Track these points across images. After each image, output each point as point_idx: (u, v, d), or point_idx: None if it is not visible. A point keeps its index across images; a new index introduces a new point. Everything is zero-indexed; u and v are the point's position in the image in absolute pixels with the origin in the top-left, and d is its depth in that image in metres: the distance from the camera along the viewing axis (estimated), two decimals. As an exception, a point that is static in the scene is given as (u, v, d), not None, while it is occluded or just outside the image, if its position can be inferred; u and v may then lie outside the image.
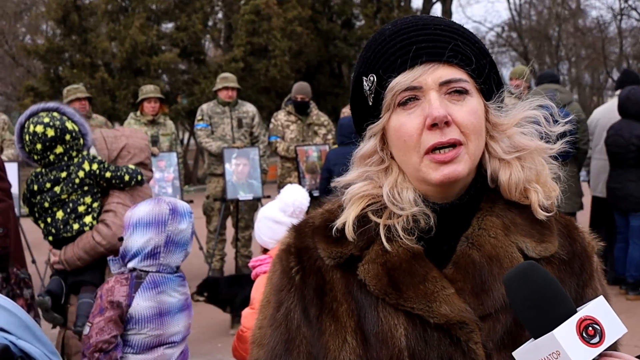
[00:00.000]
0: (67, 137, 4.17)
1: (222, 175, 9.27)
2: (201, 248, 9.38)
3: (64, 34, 24.13)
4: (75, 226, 4.19)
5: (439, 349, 1.37)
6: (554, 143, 1.49)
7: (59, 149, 4.15)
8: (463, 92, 1.41)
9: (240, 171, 9.23)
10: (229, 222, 9.97)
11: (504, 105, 1.49)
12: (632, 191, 7.95)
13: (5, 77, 32.84)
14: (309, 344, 1.46)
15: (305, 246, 1.50)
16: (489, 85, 1.47)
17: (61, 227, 4.18)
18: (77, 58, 23.56)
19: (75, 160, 4.19)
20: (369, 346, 1.40)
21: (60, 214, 4.18)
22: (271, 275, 1.56)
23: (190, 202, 9.78)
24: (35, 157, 4.16)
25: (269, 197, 9.37)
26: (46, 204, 4.18)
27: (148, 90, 9.84)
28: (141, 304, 3.42)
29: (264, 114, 20.72)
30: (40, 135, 4.10)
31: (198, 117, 9.74)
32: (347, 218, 1.46)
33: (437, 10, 33.63)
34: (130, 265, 3.50)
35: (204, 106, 9.83)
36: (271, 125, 9.92)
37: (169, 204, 3.55)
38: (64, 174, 4.16)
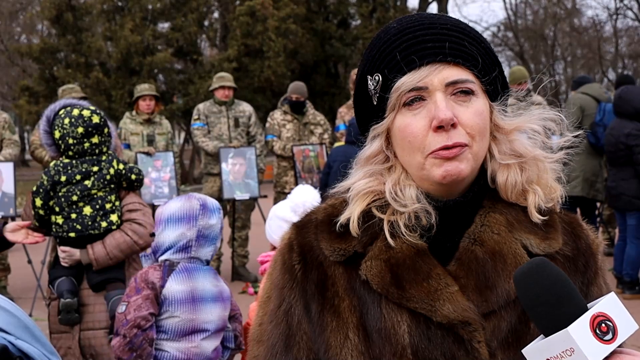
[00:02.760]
0: (105, 130, 4.21)
1: (219, 174, 9.26)
2: (198, 248, 9.36)
3: (59, 34, 24.09)
4: (104, 224, 4.15)
5: (442, 346, 1.37)
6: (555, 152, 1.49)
7: (95, 139, 4.14)
8: (469, 92, 1.40)
9: (236, 171, 9.22)
10: (226, 221, 9.93)
11: (508, 109, 1.48)
12: (624, 190, 7.97)
13: (0, 77, 32.82)
14: (310, 340, 1.45)
15: (307, 242, 1.49)
16: (495, 86, 1.46)
17: (89, 223, 4.13)
18: (72, 58, 23.53)
19: (104, 157, 4.18)
20: (371, 343, 1.39)
21: (88, 210, 4.13)
22: (272, 271, 1.54)
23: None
24: (70, 141, 4.09)
25: (265, 196, 9.38)
26: (74, 197, 4.11)
27: (143, 88, 9.83)
28: (174, 286, 3.49)
29: (260, 113, 20.73)
30: (85, 119, 4.10)
31: (194, 116, 9.73)
32: (352, 213, 1.45)
33: (433, 10, 33.63)
34: (163, 257, 3.59)
35: (200, 106, 9.82)
36: (267, 125, 9.92)
37: (199, 199, 3.65)
38: (95, 168, 4.13)
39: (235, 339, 3.79)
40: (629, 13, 35.57)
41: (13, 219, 8.59)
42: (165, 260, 3.58)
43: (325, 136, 9.93)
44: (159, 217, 3.65)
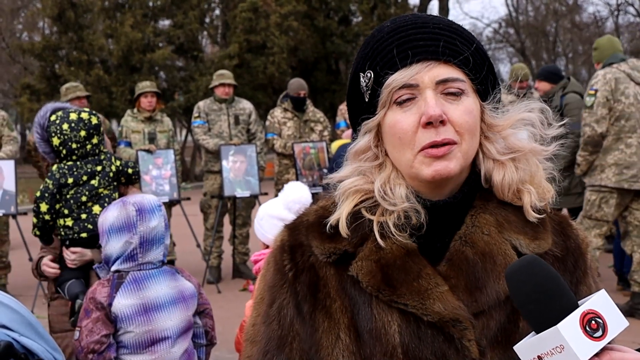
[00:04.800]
0: (101, 129, 4.23)
1: (219, 172, 9.27)
2: (198, 245, 9.37)
3: (60, 32, 24.09)
4: None
5: (433, 345, 1.38)
6: (549, 145, 1.49)
7: (95, 140, 4.15)
8: (459, 91, 1.42)
9: (237, 168, 9.23)
10: (226, 219, 9.97)
11: (499, 105, 1.49)
12: (630, 187, 7.92)
13: (2, 75, 32.81)
14: (302, 340, 1.46)
15: (299, 243, 1.50)
16: (486, 85, 1.48)
17: None
18: (74, 55, 23.52)
19: (103, 156, 4.19)
20: (362, 343, 1.40)
21: (97, 209, 4.12)
22: (265, 273, 1.56)
23: (187, 199, 9.82)
24: (74, 146, 4.07)
25: (266, 194, 9.38)
26: (84, 198, 4.10)
27: (144, 85, 9.82)
28: (122, 302, 3.39)
29: (260, 110, 20.75)
30: (86, 122, 4.10)
31: (195, 114, 9.73)
32: (341, 214, 1.46)
33: (434, 6, 33.66)
34: (113, 268, 3.51)
35: (201, 103, 9.82)
36: (268, 123, 9.92)
37: (135, 204, 3.52)
38: (99, 168, 4.15)
39: (206, 334, 3.72)
40: (630, 9, 35.55)
41: (14, 216, 8.61)
42: (115, 271, 3.49)
43: (325, 133, 9.93)
44: (101, 227, 3.56)
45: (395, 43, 1.44)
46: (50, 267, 4.14)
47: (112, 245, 3.49)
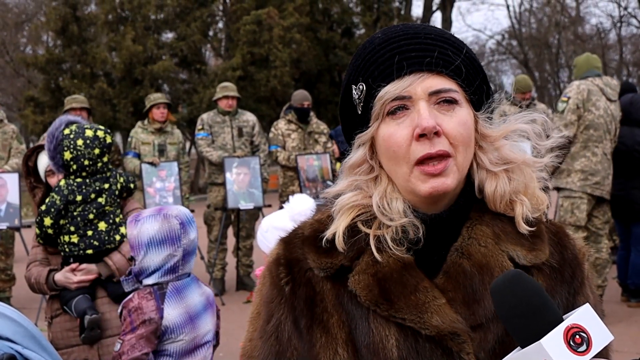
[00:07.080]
0: (112, 148, 4.26)
1: (223, 184, 9.29)
2: (202, 257, 9.37)
3: (64, 45, 24.20)
4: (117, 237, 4.17)
5: (431, 359, 1.37)
6: (543, 157, 1.49)
7: (105, 158, 4.19)
8: (452, 102, 1.40)
9: (241, 180, 9.24)
10: (230, 231, 9.97)
11: (493, 116, 1.48)
12: (636, 199, 7.93)
13: (6, 88, 32.91)
14: (300, 356, 1.44)
15: (295, 257, 1.49)
16: (479, 95, 1.47)
17: (105, 238, 4.14)
18: (77, 68, 23.62)
19: (109, 173, 4.21)
20: (360, 357, 1.39)
21: (103, 225, 4.15)
22: (261, 287, 1.55)
23: (191, 211, 9.82)
24: (86, 163, 4.09)
25: (269, 206, 9.39)
26: (91, 216, 4.12)
27: (156, 97, 9.88)
28: (172, 313, 3.42)
29: (264, 122, 20.78)
30: (101, 140, 4.12)
31: (198, 126, 9.76)
32: (337, 228, 1.45)
33: (437, 18, 33.74)
34: (150, 281, 3.48)
35: (204, 115, 9.85)
36: (271, 135, 9.93)
37: (177, 217, 3.52)
38: (106, 185, 4.17)
39: (216, 335, 3.74)
40: (633, 21, 35.61)
41: (18, 229, 8.62)
42: (154, 284, 3.47)
43: (329, 145, 9.95)
44: (135, 239, 3.51)
45: (387, 55, 1.43)
46: (76, 276, 4.07)
47: (152, 258, 3.47)
